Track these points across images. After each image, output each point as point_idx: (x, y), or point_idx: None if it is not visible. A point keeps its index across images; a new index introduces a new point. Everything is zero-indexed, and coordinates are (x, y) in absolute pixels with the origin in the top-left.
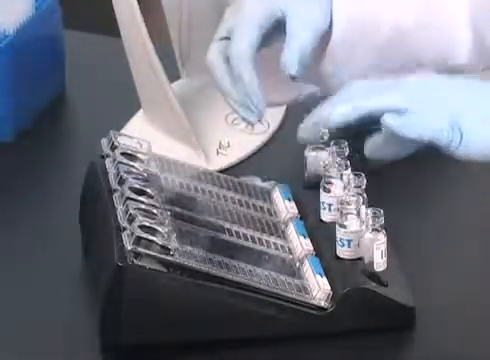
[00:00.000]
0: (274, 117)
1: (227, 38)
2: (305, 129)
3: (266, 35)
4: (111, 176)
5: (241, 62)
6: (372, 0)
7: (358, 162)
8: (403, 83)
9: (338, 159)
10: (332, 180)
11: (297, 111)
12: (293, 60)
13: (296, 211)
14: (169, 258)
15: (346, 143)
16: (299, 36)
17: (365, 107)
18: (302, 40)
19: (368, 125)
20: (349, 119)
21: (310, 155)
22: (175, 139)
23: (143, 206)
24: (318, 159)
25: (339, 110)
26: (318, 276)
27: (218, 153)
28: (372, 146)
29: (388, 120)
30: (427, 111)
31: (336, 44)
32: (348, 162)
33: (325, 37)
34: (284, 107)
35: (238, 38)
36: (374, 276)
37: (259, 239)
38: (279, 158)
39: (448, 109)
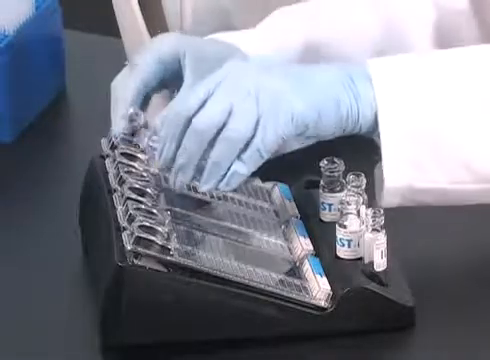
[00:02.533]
0: None
1: None
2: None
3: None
4: (111, 176)
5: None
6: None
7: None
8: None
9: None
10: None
11: None
12: None
13: (296, 211)
14: (169, 258)
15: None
16: None
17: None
18: None
19: None
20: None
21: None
22: None
23: (143, 206)
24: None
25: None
26: (318, 276)
27: None
28: None
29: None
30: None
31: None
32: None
33: None
34: None
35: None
36: (374, 276)
37: (259, 239)
38: (279, 158)
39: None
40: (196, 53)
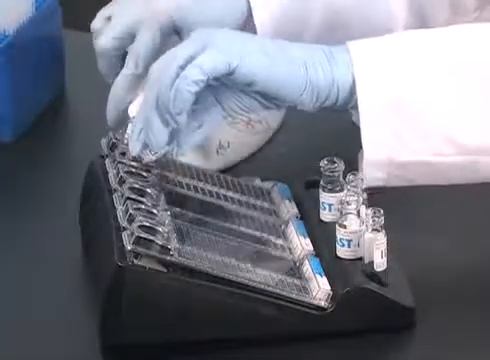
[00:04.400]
0: (274, 117)
1: None
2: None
3: None
4: (111, 176)
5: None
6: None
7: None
8: None
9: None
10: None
11: (297, 111)
12: None
13: (296, 211)
14: (169, 258)
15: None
16: None
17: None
18: None
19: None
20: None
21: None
22: None
23: (143, 206)
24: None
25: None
26: (318, 276)
27: (218, 153)
28: None
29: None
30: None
31: None
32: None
33: None
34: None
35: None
36: (374, 276)
37: (259, 239)
38: (279, 158)
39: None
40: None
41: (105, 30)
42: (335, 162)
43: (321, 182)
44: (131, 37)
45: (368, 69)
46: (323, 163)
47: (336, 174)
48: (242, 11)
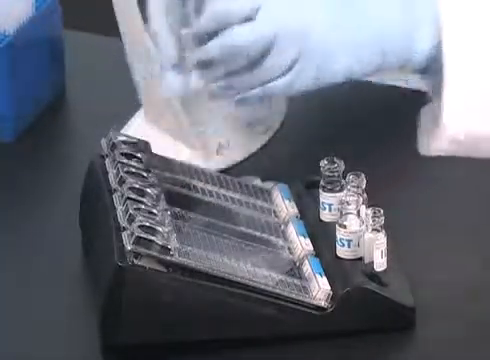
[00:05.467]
0: (274, 117)
1: None
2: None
3: None
4: (111, 176)
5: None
6: None
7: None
8: None
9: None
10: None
11: (297, 111)
12: None
13: (296, 211)
14: (169, 258)
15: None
16: None
17: None
18: None
19: None
20: None
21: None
22: (175, 139)
23: (143, 206)
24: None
25: None
26: (318, 276)
27: (218, 153)
28: None
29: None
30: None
31: None
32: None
33: None
34: (284, 107)
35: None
36: (374, 276)
37: (259, 239)
38: (279, 158)
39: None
40: None
41: None
42: (335, 162)
43: (321, 182)
44: None
45: (458, 30)
46: (323, 163)
47: (336, 174)
48: None
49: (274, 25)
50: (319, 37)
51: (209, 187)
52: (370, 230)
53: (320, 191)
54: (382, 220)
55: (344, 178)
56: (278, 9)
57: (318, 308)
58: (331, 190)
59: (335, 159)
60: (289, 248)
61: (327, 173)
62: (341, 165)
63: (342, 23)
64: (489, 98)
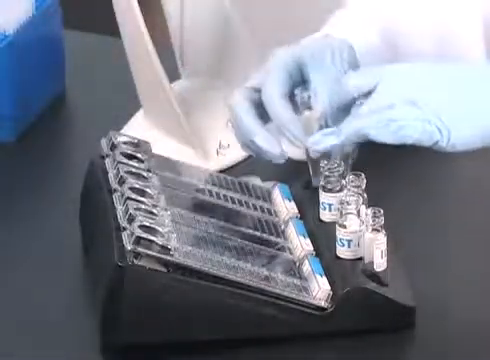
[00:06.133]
0: None
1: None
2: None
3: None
4: (111, 176)
5: (272, 101)
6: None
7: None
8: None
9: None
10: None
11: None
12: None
13: (296, 211)
14: (169, 258)
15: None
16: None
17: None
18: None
19: None
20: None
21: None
22: (175, 139)
23: (143, 206)
24: (311, 119)
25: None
26: (318, 276)
27: (218, 153)
28: None
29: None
30: (410, 115)
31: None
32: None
33: None
34: None
35: (268, 83)
36: (374, 276)
37: (259, 239)
38: None
39: (432, 109)
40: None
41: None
42: (335, 162)
43: (321, 182)
44: None
45: None
46: (323, 163)
47: (336, 174)
48: None
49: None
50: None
51: (209, 187)
52: (370, 230)
53: (320, 191)
54: (382, 220)
55: (344, 178)
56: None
57: (318, 308)
58: (331, 190)
59: (335, 159)
60: (289, 248)
61: (327, 173)
62: (341, 165)
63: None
64: None
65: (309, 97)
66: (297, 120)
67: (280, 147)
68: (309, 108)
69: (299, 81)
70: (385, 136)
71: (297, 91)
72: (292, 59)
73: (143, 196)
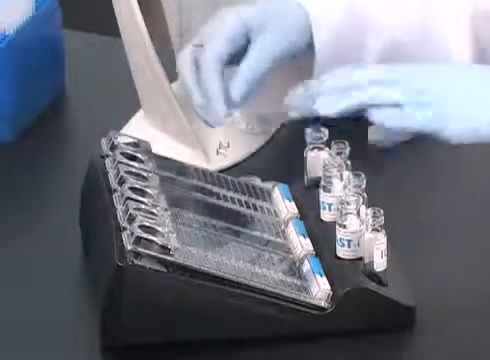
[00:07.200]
0: (275, 117)
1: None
2: (294, 98)
3: (238, 50)
4: (111, 176)
5: (207, 71)
6: (358, 18)
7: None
8: (402, 73)
9: (338, 159)
10: (332, 180)
11: None
12: (239, 87)
13: (296, 211)
14: (169, 258)
15: (347, 143)
16: (252, 58)
17: (362, 101)
18: (254, 63)
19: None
20: (344, 111)
21: (310, 155)
22: (175, 139)
23: (143, 206)
24: (318, 159)
25: (338, 104)
26: (318, 276)
27: (218, 153)
28: (373, 130)
29: (372, 116)
30: (414, 103)
31: (319, 65)
32: (348, 162)
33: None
34: (284, 108)
35: (208, 50)
36: (374, 276)
37: (259, 239)
38: (279, 158)
39: (433, 99)
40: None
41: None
42: (320, 130)
43: (321, 182)
44: None
45: None
46: (308, 131)
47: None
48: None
49: None
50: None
51: (209, 187)
52: (370, 230)
53: (320, 191)
54: (382, 220)
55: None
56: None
57: (318, 308)
58: (329, 190)
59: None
60: (289, 248)
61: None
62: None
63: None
64: None
65: (320, 138)
66: (221, 95)
67: (213, 119)
68: (318, 148)
69: (242, 45)
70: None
71: (308, 130)
72: (240, 26)
73: (143, 196)
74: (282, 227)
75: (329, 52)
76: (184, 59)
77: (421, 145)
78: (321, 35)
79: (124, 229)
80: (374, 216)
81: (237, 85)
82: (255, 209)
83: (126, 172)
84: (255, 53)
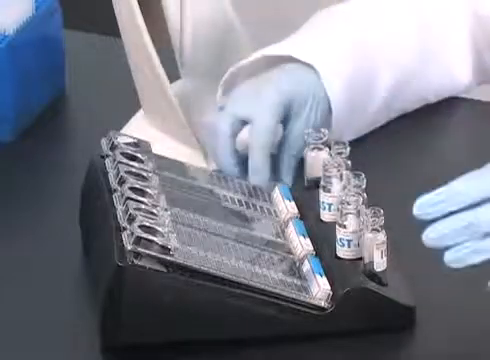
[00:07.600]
0: None
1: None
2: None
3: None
4: (111, 176)
5: (259, 152)
6: (364, 57)
7: None
8: None
9: (338, 159)
10: (332, 180)
11: None
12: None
13: (296, 211)
14: (169, 258)
15: (347, 143)
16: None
17: None
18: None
19: None
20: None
21: (310, 155)
22: (175, 139)
23: (143, 206)
24: (318, 159)
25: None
26: (318, 276)
27: None
28: None
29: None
30: None
31: (337, 119)
32: (348, 162)
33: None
34: None
35: (259, 128)
36: (374, 276)
37: (259, 239)
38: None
39: None
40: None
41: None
42: (320, 131)
43: (321, 182)
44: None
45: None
46: (308, 131)
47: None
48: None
49: None
50: None
51: (209, 187)
52: (370, 230)
53: (320, 191)
54: (382, 220)
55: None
56: None
57: (318, 308)
58: (330, 190)
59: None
60: (289, 248)
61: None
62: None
63: None
64: None
65: (320, 138)
66: (268, 165)
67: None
68: (318, 148)
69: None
70: None
71: (308, 131)
72: (282, 101)
73: (143, 196)
74: (282, 227)
75: (342, 103)
76: (223, 126)
77: (422, 145)
78: (335, 95)
79: (124, 229)
80: (374, 216)
81: (286, 173)
82: (255, 209)
83: (126, 172)
84: (294, 140)
